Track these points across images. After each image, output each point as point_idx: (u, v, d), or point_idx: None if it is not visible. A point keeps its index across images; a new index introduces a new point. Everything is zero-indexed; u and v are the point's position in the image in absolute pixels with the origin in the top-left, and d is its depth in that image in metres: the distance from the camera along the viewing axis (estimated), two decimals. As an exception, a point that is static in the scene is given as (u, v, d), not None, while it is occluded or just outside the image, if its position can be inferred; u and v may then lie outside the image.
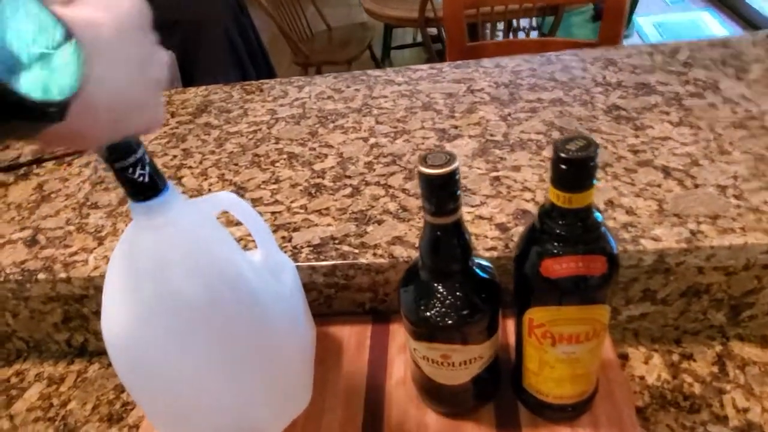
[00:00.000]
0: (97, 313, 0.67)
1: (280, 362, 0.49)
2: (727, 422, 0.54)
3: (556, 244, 0.40)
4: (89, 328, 0.69)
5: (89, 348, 0.71)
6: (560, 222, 0.39)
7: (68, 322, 0.69)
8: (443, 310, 0.44)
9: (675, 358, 0.61)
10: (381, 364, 0.59)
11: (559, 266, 0.39)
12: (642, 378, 0.60)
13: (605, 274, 0.40)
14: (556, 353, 0.45)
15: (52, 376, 0.69)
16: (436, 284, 0.45)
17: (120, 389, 0.66)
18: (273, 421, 0.53)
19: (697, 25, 3.23)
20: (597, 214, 0.39)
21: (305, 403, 0.55)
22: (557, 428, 0.51)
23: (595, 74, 0.83)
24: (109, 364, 0.68)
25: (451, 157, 0.39)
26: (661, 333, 0.64)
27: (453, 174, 0.39)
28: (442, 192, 0.40)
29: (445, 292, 0.45)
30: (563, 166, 0.36)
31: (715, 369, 0.58)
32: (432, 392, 0.53)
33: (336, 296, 0.63)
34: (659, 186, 0.61)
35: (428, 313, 0.45)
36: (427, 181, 0.39)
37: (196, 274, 0.42)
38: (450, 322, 0.44)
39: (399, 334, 0.62)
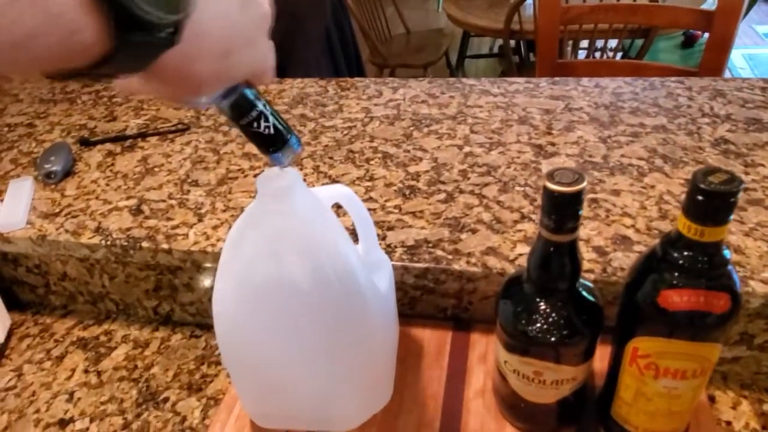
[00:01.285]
0: (188, 286, 0.70)
1: (370, 356, 0.50)
2: (824, 483, 0.51)
3: (678, 275, 0.39)
4: (177, 299, 0.72)
5: (174, 318, 0.74)
6: (686, 253, 0.38)
7: (159, 290, 0.72)
8: (545, 327, 0.44)
9: (766, 407, 0.59)
10: (460, 372, 0.59)
11: (680, 298, 0.38)
12: (729, 423, 0.57)
13: (726, 312, 0.38)
14: (657, 386, 0.44)
15: (138, 340, 0.72)
16: (540, 300, 0.45)
17: (201, 361, 0.68)
18: (355, 413, 0.53)
19: (789, 61, 3.07)
20: (726, 251, 0.38)
21: (386, 399, 0.55)
22: (642, 463, 0.50)
23: (702, 104, 0.80)
24: (192, 335, 0.71)
25: (579, 177, 0.39)
26: (751, 380, 0.61)
27: (580, 193, 0.39)
28: (565, 210, 0.39)
29: (548, 309, 0.44)
30: (701, 198, 0.36)
31: (813, 425, 0.55)
32: (515, 408, 0.52)
33: (421, 299, 0.64)
34: (770, 227, 0.59)
35: (529, 328, 0.45)
36: (553, 198, 0.39)
37: (310, 261, 0.43)
38: (551, 339, 0.44)
39: (480, 343, 0.62)
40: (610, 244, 0.59)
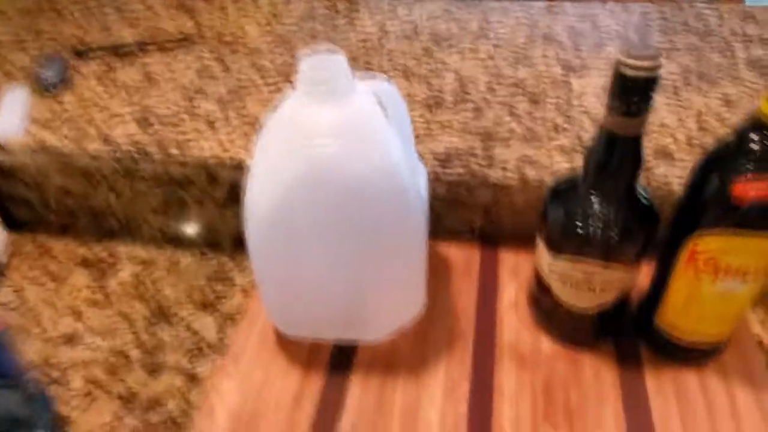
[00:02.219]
0: (199, 201, 0.66)
1: (407, 260, 0.48)
2: None
3: (756, 163, 0.36)
4: (186, 217, 0.68)
5: (182, 238, 0.71)
6: (766, 139, 0.36)
7: (167, 208, 0.68)
8: (602, 225, 0.42)
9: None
10: (492, 287, 0.57)
11: (757, 187, 0.36)
12: (757, 337, 0.57)
13: (803, 203, 0.36)
14: (714, 288, 0.42)
15: (144, 259, 0.69)
16: (597, 199, 0.42)
17: (213, 280, 0.65)
18: (386, 322, 0.51)
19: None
20: (808, 137, 0.36)
21: (418, 309, 0.53)
22: (683, 372, 0.49)
23: (733, 26, 0.77)
24: (202, 256, 0.68)
25: (657, 53, 0.36)
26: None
27: (658, 71, 0.36)
28: (641, 91, 0.36)
29: (605, 207, 0.42)
30: (794, 73, 0.33)
31: None
32: (554, 317, 0.51)
33: (448, 214, 0.61)
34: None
35: (585, 225, 0.42)
36: (627, 76, 0.36)
37: (355, 154, 0.40)
38: (609, 237, 0.42)
39: (509, 259, 0.60)
40: (651, 158, 0.56)
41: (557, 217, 0.44)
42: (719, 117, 0.61)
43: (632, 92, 0.37)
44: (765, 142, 0.36)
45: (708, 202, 0.39)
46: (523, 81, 0.68)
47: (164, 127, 0.64)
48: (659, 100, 0.64)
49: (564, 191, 0.45)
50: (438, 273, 0.59)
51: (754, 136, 0.36)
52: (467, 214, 0.60)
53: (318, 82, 0.39)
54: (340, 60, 0.39)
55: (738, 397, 0.47)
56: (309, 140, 0.39)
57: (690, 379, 0.49)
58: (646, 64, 0.35)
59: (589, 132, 0.60)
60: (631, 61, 0.35)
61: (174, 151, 0.60)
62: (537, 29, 0.79)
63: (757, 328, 0.57)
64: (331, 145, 0.39)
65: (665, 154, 0.57)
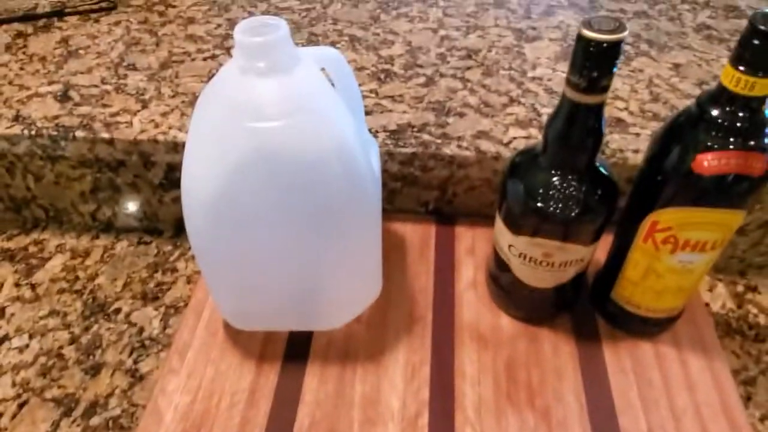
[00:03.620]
0: (133, 185, 0.61)
1: (362, 243, 0.45)
2: (799, 354, 0.53)
3: (717, 135, 0.36)
4: (120, 202, 0.63)
5: (116, 224, 0.66)
6: (729, 110, 0.35)
7: (97, 192, 0.62)
8: (562, 202, 0.41)
9: (740, 288, 0.60)
10: (448, 266, 0.55)
11: (718, 161, 0.35)
12: (707, 305, 0.58)
13: (764, 176, 0.36)
14: (671, 262, 0.42)
15: (75, 249, 0.63)
16: (556, 174, 0.41)
17: (154, 268, 0.61)
18: (341, 309, 0.49)
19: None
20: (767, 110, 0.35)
21: (375, 294, 0.51)
22: (639, 343, 0.49)
23: (680, -9, 0.77)
24: (140, 242, 0.63)
25: (620, 25, 0.34)
26: (725, 264, 0.62)
27: (620, 44, 0.34)
28: (602, 64, 0.35)
29: (566, 184, 0.41)
30: (758, 42, 0.32)
31: (786, 302, 0.57)
32: (512, 296, 0.50)
33: (401, 191, 0.59)
34: (758, 109, 0.57)
35: (545, 204, 0.41)
36: (589, 49, 0.34)
37: (303, 131, 0.36)
38: (570, 214, 0.40)
39: (466, 237, 0.58)
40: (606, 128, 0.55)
41: (516, 193, 0.42)
42: (671, 85, 0.60)
43: (595, 63, 0.35)
44: (727, 113, 0.35)
45: (669, 176, 0.38)
46: (475, 50, 0.66)
47: (89, 105, 0.58)
48: (611, 68, 0.63)
49: (523, 165, 0.43)
50: (393, 254, 0.57)
51: (716, 108, 0.35)
52: (421, 192, 0.58)
53: (257, 53, 0.35)
54: (281, 27, 0.35)
55: (691, 366, 0.48)
56: (250, 119, 0.36)
57: (646, 350, 0.49)
58: (608, 37, 0.33)
59: (544, 103, 0.58)
60: (593, 34, 0.33)
61: (101, 132, 0.55)
62: (487, -5, 0.77)
63: (705, 295, 0.58)
64: (276, 122, 0.36)
65: (619, 123, 0.56)
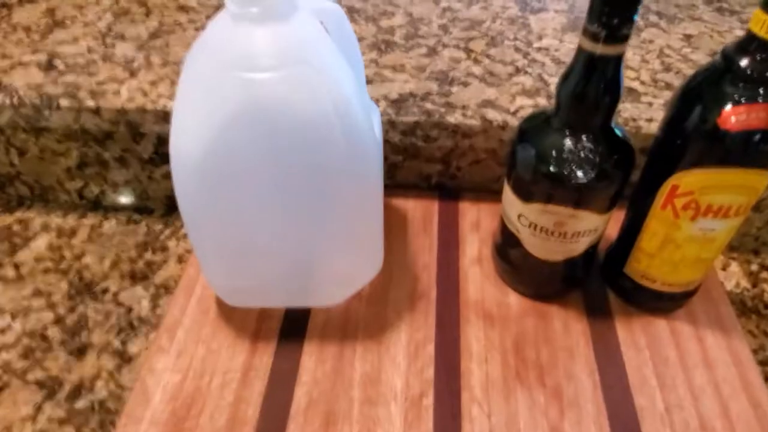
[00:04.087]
0: (121, 160, 0.58)
1: (362, 213, 0.43)
2: (820, 332, 0.50)
3: (746, 88, 0.33)
4: (108, 179, 0.60)
5: (104, 202, 0.63)
6: (759, 60, 0.32)
7: (84, 168, 0.60)
8: (577, 166, 0.38)
9: (754, 267, 0.58)
10: (452, 241, 0.53)
11: (747, 115, 0.33)
12: (721, 284, 0.56)
13: (795, 131, 0.34)
14: (692, 230, 0.39)
15: (62, 228, 0.60)
16: (570, 136, 0.38)
17: (143, 248, 0.58)
18: (340, 284, 0.46)
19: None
20: (800, 58, 0.33)
21: (376, 270, 0.49)
22: (653, 320, 0.47)
23: (688, -35, 0.75)
24: (129, 221, 0.61)
25: None
26: (739, 242, 0.59)
27: None
28: (623, 8, 0.32)
29: (580, 147, 0.38)
30: (794, -18, 0.29)
31: (804, 280, 0.55)
32: (521, 270, 0.47)
33: (403, 165, 0.56)
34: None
35: (558, 168, 0.38)
36: None
37: (300, 87, 0.34)
38: (585, 178, 0.38)
39: (470, 211, 0.56)
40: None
41: (527, 158, 0.40)
42: (683, 56, 0.58)
43: (615, 8, 0.32)
44: (757, 63, 0.33)
45: (691, 135, 0.36)
46: (478, 21, 0.63)
47: (74, 74, 0.55)
48: (620, 39, 0.60)
49: (534, 129, 0.41)
50: (395, 229, 0.54)
51: (744, 58, 0.33)
52: (423, 165, 0.56)
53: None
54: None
55: (708, 343, 0.46)
56: (243, 70, 0.33)
57: (661, 326, 0.47)
58: None
59: (552, 73, 0.56)
60: None
61: (87, 99, 0.52)
62: (489, -32, 0.74)
63: (719, 275, 0.55)
64: (271, 75, 0.33)
65: (631, 92, 0.53)
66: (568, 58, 0.57)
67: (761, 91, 0.33)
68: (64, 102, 0.52)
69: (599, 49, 0.34)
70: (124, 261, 0.57)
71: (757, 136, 0.34)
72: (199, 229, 0.40)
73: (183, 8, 0.66)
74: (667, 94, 0.53)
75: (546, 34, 0.61)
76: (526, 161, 0.40)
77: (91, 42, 0.60)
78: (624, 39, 0.34)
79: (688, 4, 0.66)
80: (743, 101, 0.33)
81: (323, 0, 0.38)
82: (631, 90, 0.53)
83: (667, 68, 0.56)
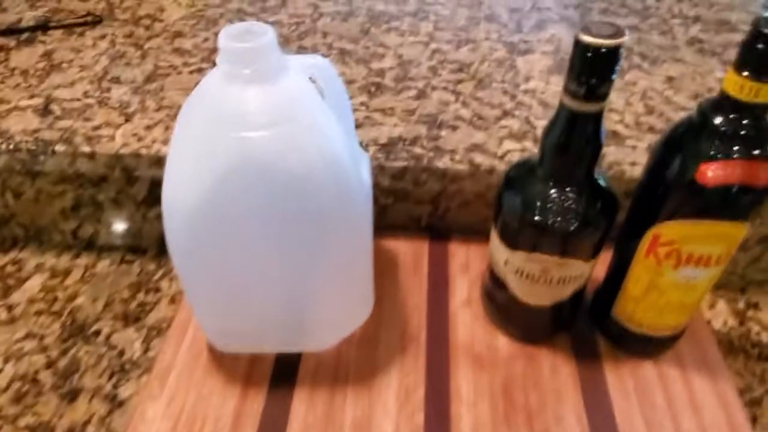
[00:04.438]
0: (116, 202, 0.59)
1: (352, 260, 0.43)
2: (805, 372, 0.51)
3: (721, 144, 0.34)
4: (102, 219, 0.61)
5: (98, 242, 0.63)
6: (732, 118, 0.34)
7: (78, 209, 0.60)
8: (562, 215, 0.39)
9: (740, 305, 0.58)
10: (442, 283, 0.54)
11: (723, 171, 0.34)
12: (708, 323, 0.56)
13: (769, 186, 0.35)
14: (675, 277, 0.40)
15: (56, 269, 0.61)
16: (554, 186, 0.39)
17: (136, 288, 0.58)
18: (330, 329, 0.47)
19: None
20: (771, 116, 0.34)
21: (366, 314, 0.49)
22: (641, 363, 0.47)
23: (671, 5, 0.77)
24: (123, 261, 0.61)
25: (619, 30, 0.33)
26: (726, 280, 0.60)
27: (619, 49, 0.33)
28: (601, 70, 0.33)
29: (564, 197, 0.39)
30: (761, 47, 0.31)
31: (789, 319, 0.56)
32: (509, 314, 0.48)
33: (393, 207, 0.57)
34: (755, 122, 0.57)
35: (544, 218, 0.39)
36: (587, 54, 0.33)
37: (291, 142, 0.35)
38: (569, 228, 0.39)
39: (460, 253, 0.56)
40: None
41: (513, 206, 0.41)
42: (665, 98, 0.59)
43: (594, 70, 0.34)
44: (731, 121, 0.34)
45: (670, 187, 0.37)
46: (467, 63, 0.65)
47: (70, 119, 0.56)
48: (605, 81, 0.62)
49: (520, 178, 0.42)
50: (385, 271, 0.55)
51: (718, 116, 0.34)
52: (413, 207, 0.56)
53: (243, 59, 0.33)
54: (268, 33, 0.34)
55: (696, 386, 0.46)
56: (236, 128, 0.34)
57: (648, 370, 0.47)
58: (608, 42, 0.32)
59: (538, 116, 0.57)
60: (592, 39, 0.32)
61: (82, 145, 0.53)
62: (478, 9, 0.76)
63: (706, 313, 0.56)
64: (262, 133, 0.34)
65: (614, 136, 0.55)
66: (554, 100, 0.59)
67: (736, 147, 0.34)
68: (59, 147, 0.53)
69: (579, 106, 0.35)
70: (116, 302, 0.57)
71: (733, 190, 0.35)
72: (191, 276, 0.41)
73: (178, 51, 0.67)
74: (651, 137, 0.54)
75: (533, 76, 0.62)
76: (511, 209, 0.41)
77: (87, 86, 0.61)
78: (603, 97, 0.35)
79: (671, 46, 0.68)
80: (719, 157, 0.34)
81: (313, 56, 0.40)
82: (615, 133, 0.55)
83: (650, 111, 0.57)
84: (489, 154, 0.52)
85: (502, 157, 0.52)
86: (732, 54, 0.66)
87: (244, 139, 0.34)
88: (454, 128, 0.55)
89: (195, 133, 0.36)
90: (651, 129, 0.55)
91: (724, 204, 0.35)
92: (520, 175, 0.42)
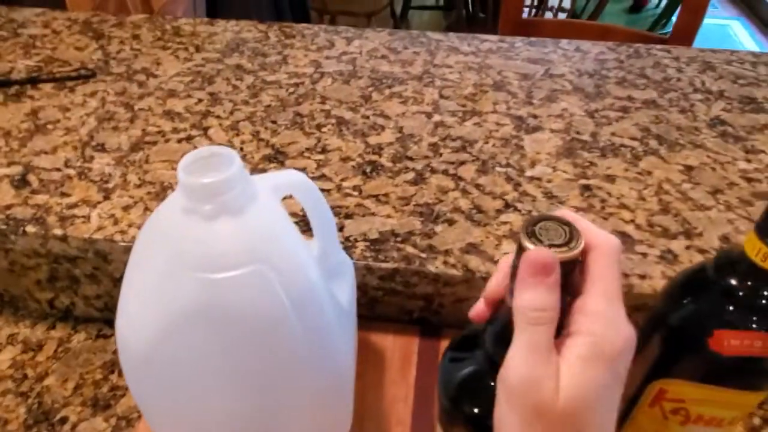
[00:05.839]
0: (92, 277, 0.56)
1: (325, 400, 0.40)
2: None
3: (738, 311, 0.30)
4: (78, 292, 0.58)
5: (75, 313, 0.60)
6: (752, 285, 0.30)
7: (54, 281, 0.57)
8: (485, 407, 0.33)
9: (756, 421, 0.54)
10: (430, 391, 0.50)
11: (740, 343, 0.30)
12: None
13: (791, 358, 0.31)
14: (682, 432, 0.36)
15: (29, 341, 0.58)
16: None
17: (110, 368, 0.55)
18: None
19: (727, 33, 3.12)
20: (797, 283, 0.30)
21: (344, 432, 0.45)
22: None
23: (692, 78, 0.72)
24: (99, 335, 0.58)
25: (573, 233, 0.26)
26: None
27: (573, 262, 0.26)
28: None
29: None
30: (791, 220, 0.27)
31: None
32: None
33: (383, 300, 0.53)
34: (779, 226, 0.52)
35: (477, 410, 0.34)
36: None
37: (259, 283, 0.31)
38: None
39: (452, 355, 0.52)
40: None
41: (450, 385, 0.35)
42: (682, 192, 0.55)
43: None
44: (750, 288, 0.30)
45: (680, 345, 0.33)
46: (470, 141, 0.61)
47: (46, 193, 0.53)
48: (616, 169, 0.58)
49: (461, 355, 0.36)
50: (370, 370, 0.51)
51: (736, 278, 0.30)
52: (405, 302, 0.53)
53: (204, 196, 0.30)
54: (234, 162, 0.30)
55: None
56: (199, 267, 0.31)
57: None
58: (559, 257, 0.26)
59: (542, 210, 0.53)
60: (531, 246, 0.26)
61: (55, 227, 0.50)
62: (486, 74, 0.72)
63: None
64: (224, 275, 0.31)
65: (624, 238, 0.51)
66: (562, 192, 0.55)
67: (755, 317, 0.30)
68: (30, 229, 0.50)
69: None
70: (88, 384, 0.54)
71: (750, 362, 0.31)
72: (148, 405, 0.37)
73: (168, 114, 0.64)
74: (663, 243, 0.50)
75: (539, 160, 0.59)
76: (448, 386, 0.35)
77: (70, 153, 0.58)
78: None
79: (691, 127, 0.64)
80: (736, 325, 0.30)
81: (288, 172, 0.36)
82: (624, 235, 0.51)
83: (666, 209, 0.53)
84: (485, 258, 0.48)
85: (497, 262, 0.48)
86: (758, 140, 0.62)
87: (207, 281, 0.31)
88: (451, 223, 0.51)
89: (153, 264, 0.32)
90: (665, 233, 0.51)
91: (740, 375, 0.31)
92: (461, 348, 0.37)
